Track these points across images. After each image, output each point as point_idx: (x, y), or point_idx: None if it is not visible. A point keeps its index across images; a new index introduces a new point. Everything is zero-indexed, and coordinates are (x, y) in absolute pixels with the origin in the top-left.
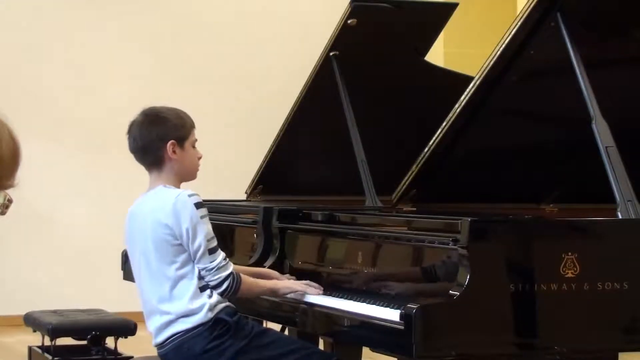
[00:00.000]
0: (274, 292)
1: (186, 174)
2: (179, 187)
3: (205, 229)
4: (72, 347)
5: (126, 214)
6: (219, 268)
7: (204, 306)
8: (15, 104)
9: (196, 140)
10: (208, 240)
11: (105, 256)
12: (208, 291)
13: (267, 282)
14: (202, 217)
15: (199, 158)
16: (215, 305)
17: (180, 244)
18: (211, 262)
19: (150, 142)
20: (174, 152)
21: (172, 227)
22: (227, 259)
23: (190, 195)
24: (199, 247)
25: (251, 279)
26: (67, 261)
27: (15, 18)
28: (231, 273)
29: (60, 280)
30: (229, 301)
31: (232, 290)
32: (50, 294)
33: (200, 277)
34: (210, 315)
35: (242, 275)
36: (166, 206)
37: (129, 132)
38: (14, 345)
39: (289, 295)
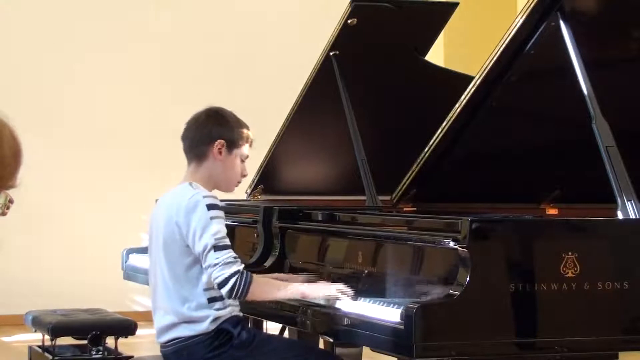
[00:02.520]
0: (304, 295)
1: (223, 181)
2: (207, 189)
3: (214, 228)
4: (73, 346)
5: (127, 214)
6: (225, 264)
7: (209, 317)
8: (16, 104)
9: (247, 156)
10: (216, 239)
11: (106, 256)
12: (217, 304)
13: (294, 285)
14: (212, 217)
15: (244, 175)
16: (220, 316)
17: (187, 246)
18: (217, 258)
19: (200, 134)
20: (219, 152)
21: (181, 226)
22: (237, 258)
23: (205, 197)
24: (205, 245)
25: (269, 280)
26: (67, 261)
27: (18, 17)
28: (238, 271)
29: (61, 279)
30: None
31: (241, 290)
32: (50, 293)
33: (207, 289)
34: (213, 326)
35: (255, 275)
36: (180, 205)
37: (188, 121)
38: (14, 344)
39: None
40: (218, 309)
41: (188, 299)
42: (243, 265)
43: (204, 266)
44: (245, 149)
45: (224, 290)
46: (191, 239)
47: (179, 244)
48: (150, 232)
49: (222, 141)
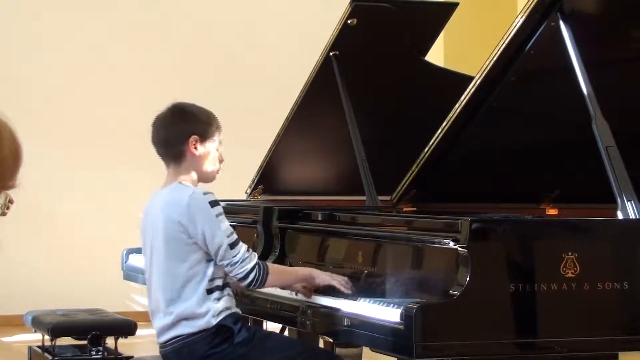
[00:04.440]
0: (308, 279)
1: (204, 174)
2: (195, 186)
3: (223, 226)
4: (73, 346)
5: (127, 214)
6: (243, 260)
7: (209, 311)
8: (16, 104)
9: (221, 143)
10: (228, 236)
11: (106, 256)
12: (215, 294)
13: (299, 269)
14: (217, 215)
15: (221, 161)
16: (221, 311)
17: (195, 243)
18: (234, 256)
19: (173, 135)
20: (195, 147)
21: (185, 225)
22: (251, 250)
23: (205, 194)
24: (220, 245)
25: (280, 267)
26: (67, 261)
27: (16, 17)
28: (257, 264)
29: (61, 279)
30: (235, 306)
31: (260, 281)
32: (50, 293)
33: (212, 279)
34: (214, 321)
35: (269, 264)
36: (180, 203)
37: (153, 124)
38: (14, 344)
39: (287, 294)
40: (216, 299)
41: (190, 296)
42: (256, 257)
43: (220, 263)
44: (217, 136)
45: (244, 284)
46: (201, 238)
47: (184, 242)
48: (143, 234)
49: (195, 137)
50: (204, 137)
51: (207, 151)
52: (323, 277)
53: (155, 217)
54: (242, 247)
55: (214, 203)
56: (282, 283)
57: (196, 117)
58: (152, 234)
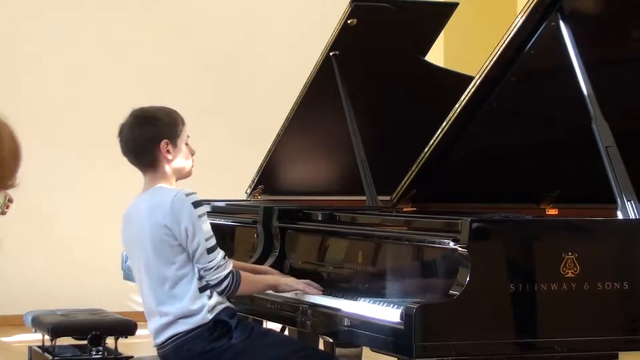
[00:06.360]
0: (274, 287)
1: (182, 172)
2: (174, 186)
3: (204, 228)
4: (73, 346)
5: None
6: (218, 267)
7: (204, 307)
8: (15, 103)
9: (188, 136)
10: (207, 240)
11: (106, 256)
12: (207, 292)
13: (267, 278)
14: (200, 215)
15: (193, 154)
16: (215, 306)
17: (180, 244)
18: (210, 261)
19: (142, 144)
20: (167, 151)
21: (170, 227)
22: (227, 258)
23: (187, 195)
24: (197, 246)
25: (251, 276)
26: (67, 261)
27: (14, 17)
28: (230, 272)
29: (60, 279)
30: (229, 301)
31: (232, 289)
32: (50, 293)
33: (200, 277)
34: (210, 316)
35: (242, 272)
36: (164, 206)
37: (120, 134)
38: (14, 344)
39: (288, 295)
40: (209, 297)
41: (183, 296)
42: (232, 264)
43: (197, 267)
44: (184, 132)
45: (217, 290)
46: (184, 237)
47: (169, 244)
48: (127, 241)
49: (165, 141)
50: (173, 138)
51: (179, 151)
52: (287, 284)
53: (141, 221)
54: (219, 253)
55: (197, 204)
56: (251, 292)
57: (161, 120)
58: (139, 239)
